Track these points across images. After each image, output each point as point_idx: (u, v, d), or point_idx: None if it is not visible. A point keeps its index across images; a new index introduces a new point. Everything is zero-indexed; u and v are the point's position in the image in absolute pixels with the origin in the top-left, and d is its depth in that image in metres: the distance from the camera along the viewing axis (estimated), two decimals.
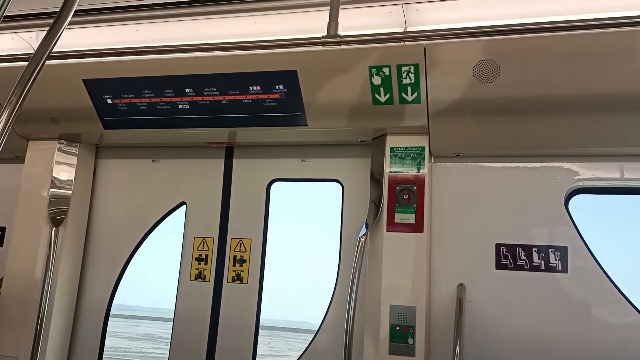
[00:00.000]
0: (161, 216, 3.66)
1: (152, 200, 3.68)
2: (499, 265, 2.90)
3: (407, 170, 3.00)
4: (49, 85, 3.19)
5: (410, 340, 2.78)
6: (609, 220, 3.06)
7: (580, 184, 2.91)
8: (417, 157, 3.00)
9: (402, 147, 3.04)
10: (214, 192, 3.58)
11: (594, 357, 2.71)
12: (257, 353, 3.33)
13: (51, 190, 3.52)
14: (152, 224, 3.66)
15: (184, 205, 3.63)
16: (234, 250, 3.47)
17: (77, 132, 3.57)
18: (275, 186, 3.52)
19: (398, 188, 2.99)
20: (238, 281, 3.42)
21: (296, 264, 3.62)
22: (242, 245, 3.47)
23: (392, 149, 3.05)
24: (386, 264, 2.91)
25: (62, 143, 3.62)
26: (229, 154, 3.62)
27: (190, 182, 3.64)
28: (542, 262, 2.84)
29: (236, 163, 3.59)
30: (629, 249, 2.96)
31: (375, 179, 3.11)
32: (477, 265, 2.94)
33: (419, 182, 2.97)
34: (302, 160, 3.48)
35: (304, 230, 3.66)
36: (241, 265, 3.43)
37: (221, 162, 3.61)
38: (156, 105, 3.20)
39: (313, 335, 3.27)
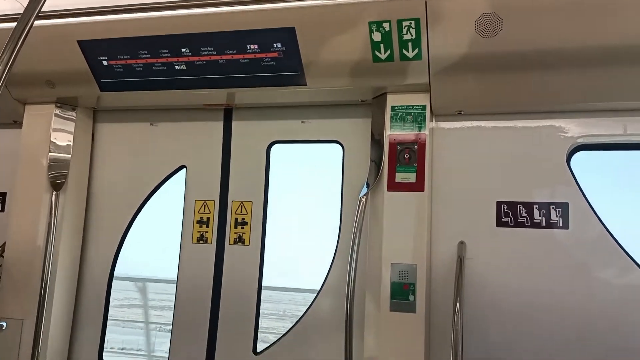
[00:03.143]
0: (161, 179, 3.64)
1: (152, 164, 3.67)
2: (500, 223, 2.90)
3: (408, 129, 2.97)
4: (44, 47, 3.13)
5: (411, 297, 2.80)
6: (611, 177, 3.04)
7: (582, 141, 2.88)
8: (418, 116, 2.97)
9: (403, 106, 3.00)
10: (213, 154, 3.55)
11: (596, 313, 2.73)
12: (260, 314, 3.37)
13: (50, 154, 3.50)
14: (153, 187, 3.65)
15: (184, 169, 3.62)
16: (235, 213, 3.47)
17: (74, 96, 3.52)
18: (275, 148, 3.50)
19: (399, 147, 2.97)
20: (240, 243, 3.43)
21: (298, 225, 3.61)
22: (243, 207, 3.47)
23: (392, 107, 3.00)
24: (387, 223, 2.90)
25: (60, 107, 3.58)
26: (228, 116, 3.58)
27: (189, 145, 3.61)
28: (543, 218, 2.84)
29: (235, 125, 3.56)
30: (632, 205, 2.95)
31: (376, 139, 3.08)
32: (477, 223, 2.93)
33: (419, 141, 2.95)
34: (302, 122, 3.44)
35: (305, 192, 3.65)
36: (242, 228, 3.44)
37: (220, 125, 3.57)
38: (152, 67, 3.15)
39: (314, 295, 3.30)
